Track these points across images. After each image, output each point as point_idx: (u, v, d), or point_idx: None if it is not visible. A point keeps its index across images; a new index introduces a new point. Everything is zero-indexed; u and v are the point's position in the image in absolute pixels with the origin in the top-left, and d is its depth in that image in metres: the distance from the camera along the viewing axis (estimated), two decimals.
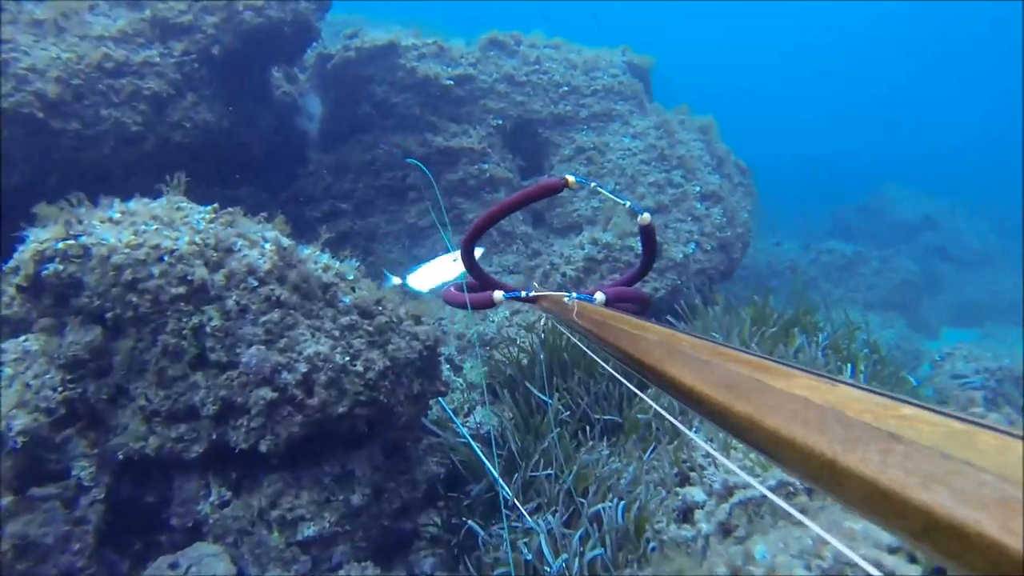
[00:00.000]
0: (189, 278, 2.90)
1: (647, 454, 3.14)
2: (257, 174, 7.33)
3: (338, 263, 3.44)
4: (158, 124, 4.51)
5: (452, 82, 7.15)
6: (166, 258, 2.86)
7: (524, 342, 5.12)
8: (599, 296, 1.62)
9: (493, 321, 5.39)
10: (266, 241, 3.31)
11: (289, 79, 8.27)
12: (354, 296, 3.37)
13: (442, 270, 4.02)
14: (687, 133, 7.47)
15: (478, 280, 2.15)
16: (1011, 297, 15.11)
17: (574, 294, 1.53)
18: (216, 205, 3.36)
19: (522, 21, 8.12)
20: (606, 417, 3.91)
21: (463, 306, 2.07)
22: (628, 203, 1.83)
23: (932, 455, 0.43)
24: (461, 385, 4.92)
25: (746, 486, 2.50)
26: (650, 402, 1.21)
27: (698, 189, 6.84)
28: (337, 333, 3.27)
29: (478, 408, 5.02)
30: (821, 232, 18.81)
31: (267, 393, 3.04)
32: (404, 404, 3.56)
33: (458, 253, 2.77)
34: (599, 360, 1.79)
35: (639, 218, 1.79)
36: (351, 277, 3.43)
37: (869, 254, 13.43)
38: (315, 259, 3.35)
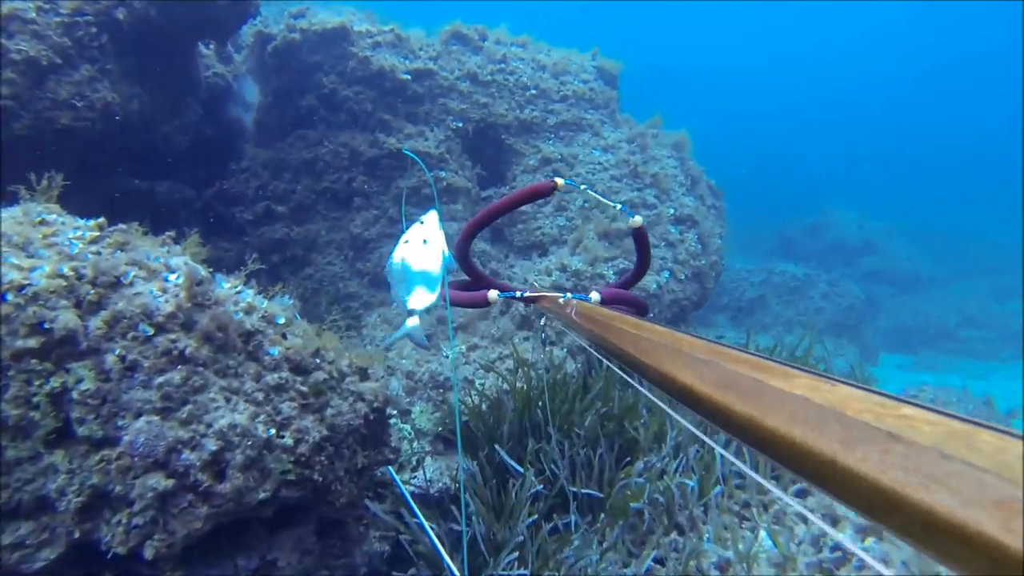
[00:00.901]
0: (47, 326, 2.09)
1: (646, 562, 2.54)
2: (179, 167, 6.34)
3: (265, 302, 2.68)
4: (35, 100, 3.55)
5: (409, 76, 6.40)
6: (10, 296, 2.04)
7: (484, 384, 4.46)
8: (594, 295, 1.62)
9: (447, 356, 4.69)
10: (171, 271, 2.51)
11: (222, 59, 7.27)
12: (284, 346, 2.62)
13: (427, 264, 3.30)
14: (661, 149, 6.99)
15: (472, 279, 2.11)
16: (939, 322, 15.66)
17: (569, 294, 1.51)
18: (102, 220, 2.54)
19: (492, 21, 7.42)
20: (584, 491, 3.31)
21: (466, 305, 2.01)
22: (619, 206, 1.88)
23: (932, 455, 0.42)
24: (408, 434, 4.21)
25: None
26: (726, 454, 1.25)
27: (672, 211, 6.36)
28: (261, 396, 2.51)
29: (428, 460, 4.33)
30: (767, 250, 19.06)
31: (159, 481, 2.25)
32: (344, 481, 2.84)
33: (426, 233, 2.55)
34: (609, 364, 1.51)
35: (631, 221, 1.81)
36: (281, 320, 2.67)
37: (818, 277, 13.52)
38: (235, 298, 2.57)
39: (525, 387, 3.94)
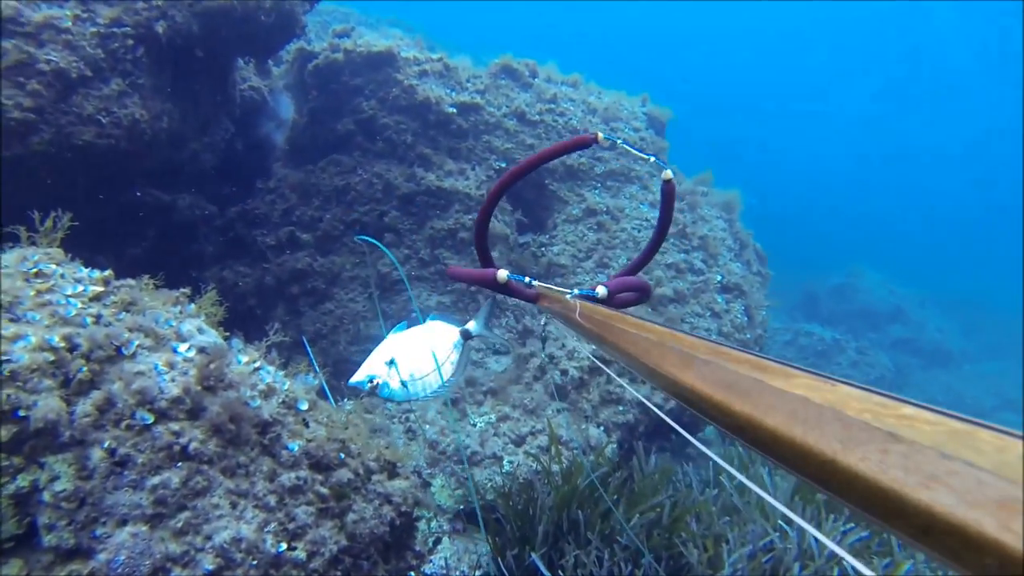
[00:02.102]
0: (22, 413, 1.69)
1: None
2: (204, 181, 6.03)
3: (287, 382, 2.27)
4: (59, 114, 3.20)
5: (455, 110, 6.08)
6: None
7: (513, 462, 4.02)
8: (600, 290, 1.61)
9: (475, 425, 4.25)
10: (182, 340, 2.12)
11: (260, 72, 7.01)
12: (305, 438, 2.21)
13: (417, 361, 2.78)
14: (710, 209, 6.60)
15: (484, 261, 2.00)
16: (973, 403, 14.96)
17: (576, 291, 1.51)
18: (109, 272, 2.16)
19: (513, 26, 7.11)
20: None
21: (472, 281, 1.99)
22: (652, 158, 1.81)
23: (932, 455, 0.42)
24: (427, 512, 3.76)
25: None
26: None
27: (719, 278, 5.94)
28: (273, 500, 2.10)
29: (445, 540, 3.88)
30: (790, 305, 18.51)
31: None
32: None
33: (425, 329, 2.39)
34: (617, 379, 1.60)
35: (663, 174, 1.75)
36: (304, 406, 2.27)
37: (847, 344, 12.97)
38: (253, 379, 2.17)
39: (561, 478, 3.50)
